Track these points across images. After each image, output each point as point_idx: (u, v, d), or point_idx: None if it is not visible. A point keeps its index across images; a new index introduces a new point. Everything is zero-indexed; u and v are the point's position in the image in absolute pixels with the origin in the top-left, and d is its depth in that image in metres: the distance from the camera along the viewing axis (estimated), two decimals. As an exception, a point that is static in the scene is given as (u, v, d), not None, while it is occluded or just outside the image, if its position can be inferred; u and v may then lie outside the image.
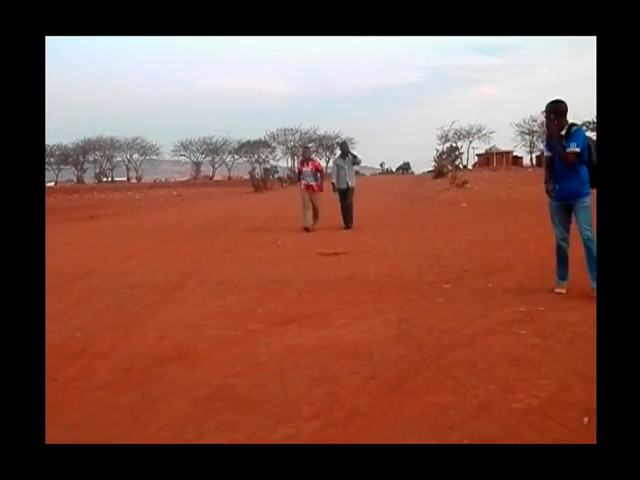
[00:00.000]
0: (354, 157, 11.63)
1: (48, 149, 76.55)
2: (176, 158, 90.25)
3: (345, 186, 11.53)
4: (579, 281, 5.46)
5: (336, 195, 11.76)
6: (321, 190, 11.64)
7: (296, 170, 12.63)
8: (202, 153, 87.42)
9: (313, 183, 11.54)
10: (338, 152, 12.49)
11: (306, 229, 11.07)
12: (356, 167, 12.04)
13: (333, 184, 11.69)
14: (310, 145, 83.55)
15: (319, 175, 11.70)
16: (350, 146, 14.19)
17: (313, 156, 14.12)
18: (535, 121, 74.37)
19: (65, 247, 9.86)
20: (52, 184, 65.90)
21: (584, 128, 5.40)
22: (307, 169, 11.65)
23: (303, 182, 11.62)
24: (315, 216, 11.50)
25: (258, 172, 51.31)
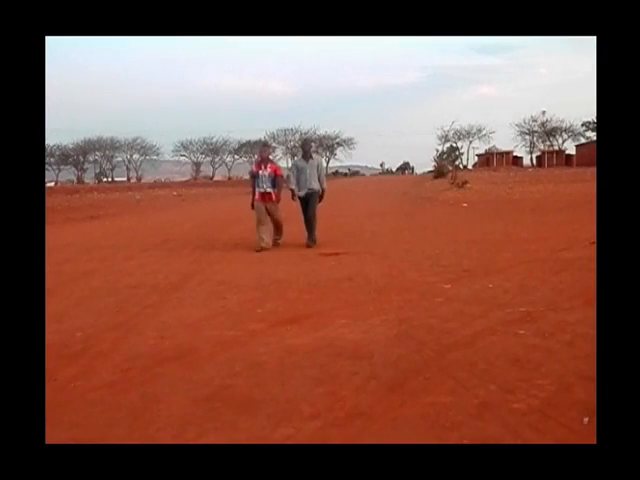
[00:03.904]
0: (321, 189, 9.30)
1: (48, 149, 76.66)
2: (176, 158, 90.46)
3: (306, 191, 9.20)
4: (579, 281, 5.47)
5: (297, 204, 9.48)
6: (278, 200, 9.22)
7: (250, 172, 9.65)
8: (202, 153, 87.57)
9: (271, 190, 9.09)
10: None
11: (261, 249, 8.73)
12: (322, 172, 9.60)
13: (292, 190, 9.30)
14: (311, 145, 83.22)
15: (277, 181, 9.21)
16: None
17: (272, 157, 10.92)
18: (535, 121, 74.57)
19: (65, 247, 9.86)
20: (52, 184, 65.94)
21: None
22: (264, 172, 9.08)
23: (258, 189, 9.10)
24: (278, 230, 9.31)
25: (258, 172, 51.02)
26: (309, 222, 9.25)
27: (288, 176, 9.70)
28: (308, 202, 9.26)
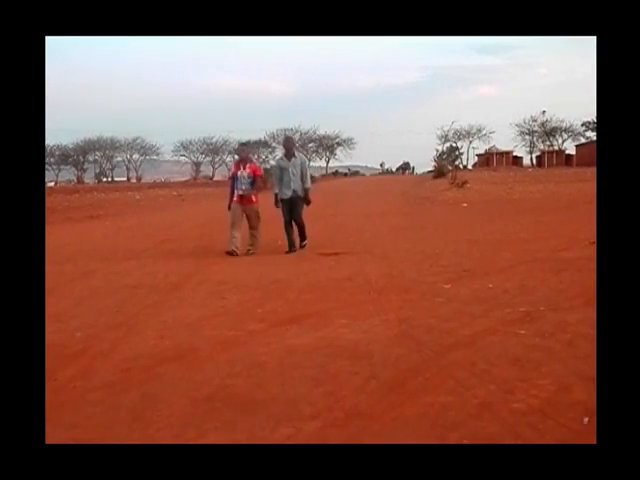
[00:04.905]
0: (305, 190, 8.68)
1: (48, 149, 76.46)
2: (176, 158, 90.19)
3: (290, 195, 8.58)
4: (579, 281, 5.46)
5: (279, 210, 8.78)
6: (256, 201, 8.69)
7: (229, 173, 9.34)
8: (202, 153, 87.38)
9: (250, 192, 8.57)
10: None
11: (231, 253, 8.20)
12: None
13: (276, 195, 8.70)
14: (310, 145, 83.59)
15: (256, 182, 8.67)
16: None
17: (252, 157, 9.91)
18: (535, 121, 74.50)
19: (65, 247, 9.86)
20: (52, 184, 65.83)
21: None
22: (243, 173, 8.56)
23: (237, 191, 8.56)
24: (254, 236, 8.59)
25: (258, 172, 50.73)
26: (299, 226, 8.67)
27: (270, 177, 9.16)
28: (293, 206, 8.62)
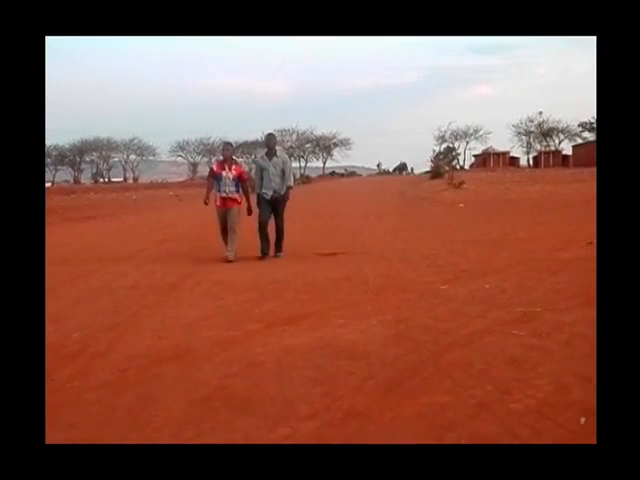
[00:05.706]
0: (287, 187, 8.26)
1: (45, 149, 76.28)
2: (173, 159, 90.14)
3: (271, 194, 8.14)
4: (576, 281, 5.48)
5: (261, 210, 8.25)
6: (250, 211, 8.33)
7: (209, 170, 8.67)
8: (199, 154, 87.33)
9: (234, 195, 8.07)
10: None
11: (229, 260, 7.92)
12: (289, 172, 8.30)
13: (259, 196, 8.24)
14: (307, 145, 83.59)
15: (244, 187, 8.20)
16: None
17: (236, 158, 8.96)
18: (532, 122, 74.60)
19: (62, 247, 9.84)
20: (49, 185, 65.63)
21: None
22: (228, 174, 8.05)
23: (220, 193, 8.08)
24: (232, 240, 8.04)
25: (256, 173, 50.63)
26: (278, 231, 8.22)
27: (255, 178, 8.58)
28: (275, 207, 8.21)
